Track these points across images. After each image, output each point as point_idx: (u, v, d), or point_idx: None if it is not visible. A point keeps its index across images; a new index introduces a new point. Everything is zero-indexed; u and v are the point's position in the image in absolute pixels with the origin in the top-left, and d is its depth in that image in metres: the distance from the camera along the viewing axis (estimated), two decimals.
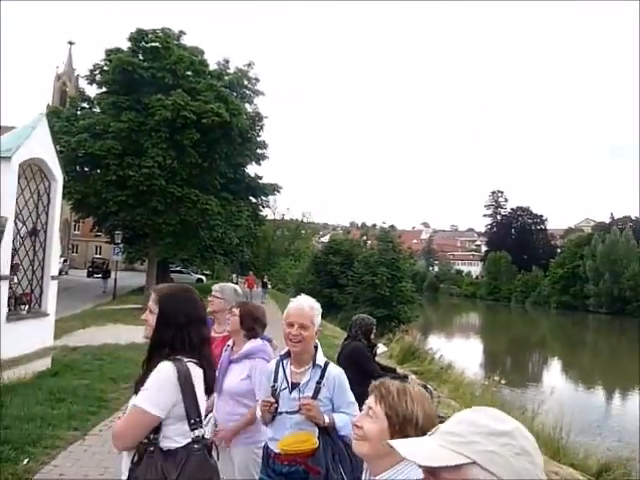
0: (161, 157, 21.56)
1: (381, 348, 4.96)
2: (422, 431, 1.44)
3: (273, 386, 2.77)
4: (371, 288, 27.00)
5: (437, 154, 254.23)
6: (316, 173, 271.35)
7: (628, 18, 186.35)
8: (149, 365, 2.17)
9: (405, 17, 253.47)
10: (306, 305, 2.73)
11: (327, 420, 2.63)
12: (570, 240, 77.04)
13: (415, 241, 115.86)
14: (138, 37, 23.05)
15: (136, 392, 2.14)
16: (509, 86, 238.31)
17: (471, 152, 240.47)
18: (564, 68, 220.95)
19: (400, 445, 1.00)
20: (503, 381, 14.25)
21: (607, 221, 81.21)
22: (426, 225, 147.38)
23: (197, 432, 2.17)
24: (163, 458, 2.07)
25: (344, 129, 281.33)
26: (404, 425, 1.54)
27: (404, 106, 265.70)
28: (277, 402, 2.72)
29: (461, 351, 29.21)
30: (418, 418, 1.54)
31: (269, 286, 34.20)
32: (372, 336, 4.93)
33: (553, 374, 29.70)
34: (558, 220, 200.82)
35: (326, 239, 53.81)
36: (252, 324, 3.36)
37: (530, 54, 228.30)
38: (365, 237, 47.07)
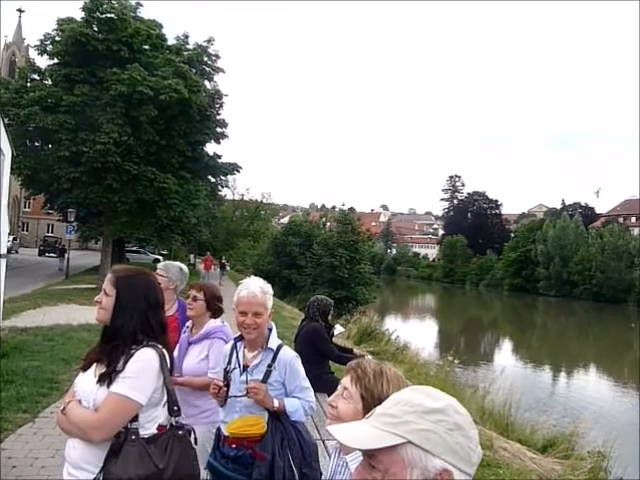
0: (116, 133, 20.86)
1: (339, 329, 4.99)
2: None
3: (226, 368, 2.75)
4: (330, 270, 27.11)
5: (397, 138, 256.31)
6: (277, 154, 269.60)
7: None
8: (115, 352, 2.09)
9: None
10: (258, 292, 2.67)
11: (276, 404, 2.59)
12: (523, 225, 79.30)
13: (374, 224, 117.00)
14: (92, 7, 22.05)
15: (102, 380, 2.05)
16: (466, 70, 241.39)
17: (430, 136, 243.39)
18: (513, 55, 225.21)
19: (336, 430, 0.99)
20: (456, 361, 14.65)
21: (558, 207, 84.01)
22: (385, 208, 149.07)
23: (179, 418, 2.15)
24: (146, 445, 2.03)
25: (306, 110, 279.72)
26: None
27: (365, 89, 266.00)
28: (228, 385, 2.70)
29: (417, 332, 29.84)
30: None
31: (227, 267, 33.90)
32: (329, 317, 4.94)
33: (504, 354, 30.75)
34: (512, 205, 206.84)
35: (286, 220, 53.68)
36: (217, 304, 3.35)
37: (479, 39, 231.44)
38: (324, 219, 47.14)
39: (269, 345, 2.71)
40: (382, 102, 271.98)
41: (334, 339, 5.37)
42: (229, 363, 2.75)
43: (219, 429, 2.76)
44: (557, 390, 20.61)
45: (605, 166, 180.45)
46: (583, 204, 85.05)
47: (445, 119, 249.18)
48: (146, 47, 22.98)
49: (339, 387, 1.65)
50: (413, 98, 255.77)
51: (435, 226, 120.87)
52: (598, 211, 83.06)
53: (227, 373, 2.73)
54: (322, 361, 4.70)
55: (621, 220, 71.09)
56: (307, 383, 2.74)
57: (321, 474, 2.50)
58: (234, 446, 2.60)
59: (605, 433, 9.65)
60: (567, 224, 65.05)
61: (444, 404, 0.96)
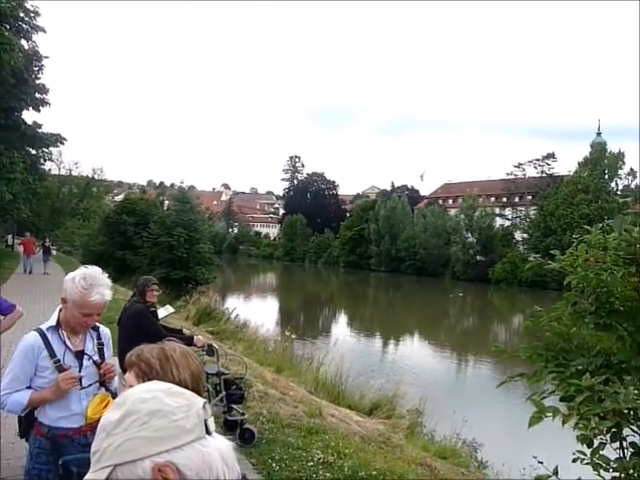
0: None
1: (167, 309, 4.85)
2: (193, 392, 1.40)
3: (57, 361, 2.52)
4: (167, 249, 26.11)
5: (239, 116, 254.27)
6: (111, 127, 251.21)
7: None
8: None
9: None
10: (109, 296, 2.55)
11: (116, 379, 2.66)
12: (358, 205, 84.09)
13: (215, 202, 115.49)
14: None
15: None
16: (308, 52, 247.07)
17: (271, 116, 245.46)
18: (356, 45, 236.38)
19: None
20: (294, 336, 15.16)
21: (389, 189, 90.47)
22: (226, 187, 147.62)
23: None
24: None
25: (145, 82, 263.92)
26: None
27: (206, 62, 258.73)
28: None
29: (257, 310, 30.26)
30: (187, 382, 1.45)
31: (53, 251, 30.88)
32: (148, 296, 4.79)
33: (340, 326, 32.55)
34: (348, 186, 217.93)
35: (120, 198, 50.37)
36: None
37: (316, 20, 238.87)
38: (162, 197, 45.20)
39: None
40: (223, 79, 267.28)
41: (171, 320, 5.20)
42: (53, 355, 2.53)
43: (56, 429, 2.54)
44: (385, 357, 22.38)
45: (428, 152, 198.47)
46: (410, 187, 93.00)
47: (287, 100, 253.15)
48: None
49: (124, 384, 1.54)
50: (257, 76, 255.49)
51: (276, 205, 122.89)
52: (422, 193, 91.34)
53: (60, 365, 2.53)
54: (151, 342, 4.51)
55: (441, 202, 78.80)
56: None
57: None
58: (89, 433, 2.50)
59: (422, 392, 10.72)
60: (396, 205, 70.32)
61: (128, 405, 0.93)
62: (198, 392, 1.25)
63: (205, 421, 0.94)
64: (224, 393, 5.47)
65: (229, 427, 5.55)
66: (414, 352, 24.10)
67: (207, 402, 1.00)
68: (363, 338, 26.68)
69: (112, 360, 2.75)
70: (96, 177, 60.11)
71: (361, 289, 58.01)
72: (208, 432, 0.94)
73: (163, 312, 5.08)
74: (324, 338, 23.67)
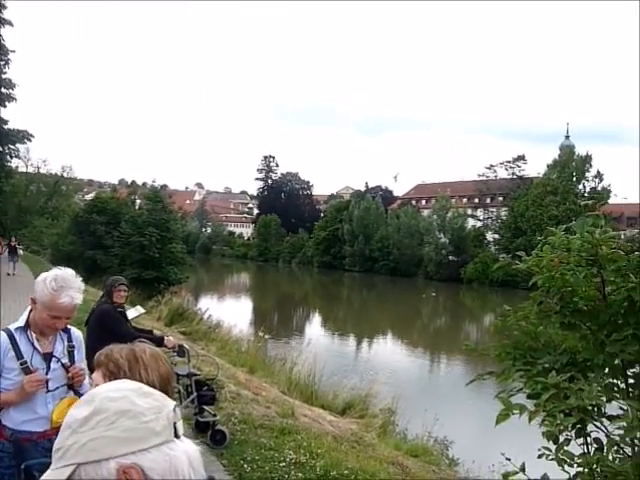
0: None
1: (137, 310, 4.79)
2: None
3: (23, 363, 2.47)
4: (139, 249, 25.77)
5: (213, 115, 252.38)
6: (80, 123, 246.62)
7: None
8: None
9: None
10: (79, 298, 2.50)
11: (87, 383, 2.59)
12: (332, 205, 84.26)
13: (188, 202, 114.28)
14: None
15: None
16: (282, 52, 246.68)
17: (246, 116, 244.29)
18: (327, 46, 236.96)
19: None
20: (267, 336, 15.11)
21: (363, 189, 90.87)
22: (200, 186, 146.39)
23: None
24: None
25: (117, 78, 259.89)
26: None
27: (175, 58, 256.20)
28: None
29: (231, 310, 30.09)
30: (155, 384, 1.45)
31: (20, 251, 30.06)
32: (116, 297, 4.73)
33: (313, 326, 32.59)
34: (322, 187, 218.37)
35: (91, 197, 49.45)
36: None
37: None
38: (134, 196, 44.48)
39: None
40: (198, 76, 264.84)
41: (142, 320, 5.13)
42: (22, 357, 2.47)
43: (20, 432, 2.47)
44: (358, 356, 22.49)
45: (402, 153, 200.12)
46: (383, 187, 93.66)
47: (262, 99, 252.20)
48: None
49: (90, 383, 1.53)
50: (232, 74, 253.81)
51: (250, 205, 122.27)
52: (396, 194, 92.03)
53: (27, 367, 2.47)
54: (118, 343, 4.45)
55: (414, 202, 79.51)
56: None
57: None
58: (54, 437, 2.39)
59: (395, 391, 10.80)
60: (370, 205, 70.68)
61: (97, 402, 0.92)
62: (167, 395, 1.24)
63: (174, 424, 0.93)
64: (195, 394, 5.43)
65: (200, 428, 5.51)
66: (387, 351, 24.28)
67: (178, 405, 1.00)
68: (337, 338, 26.75)
69: (83, 363, 2.70)
70: (65, 175, 58.97)
71: (335, 289, 58.15)
72: (177, 435, 0.93)
73: (133, 313, 5.02)
74: (298, 338, 23.65)
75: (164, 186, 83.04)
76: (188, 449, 0.93)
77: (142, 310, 4.86)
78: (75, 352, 2.64)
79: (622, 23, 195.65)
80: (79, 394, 2.59)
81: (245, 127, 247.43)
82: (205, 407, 5.52)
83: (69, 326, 2.66)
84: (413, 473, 5.38)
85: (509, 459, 2.54)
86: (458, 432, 9.56)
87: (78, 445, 0.87)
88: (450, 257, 60.29)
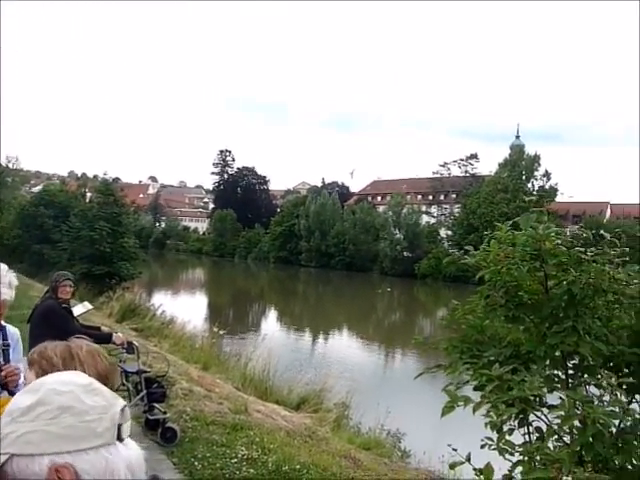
0: None
1: (85, 306, 4.65)
2: None
3: None
4: (89, 244, 25.02)
5: (168, 106, 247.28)
6: (27, 112, 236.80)
7: None
8: None
9: None
10: (5, 294, 2.42)
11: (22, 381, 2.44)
12: (288, 200, 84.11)
13: (141, 195, 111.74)
14: None
15: None
16: (238, 40, 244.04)
17: (202, 109, 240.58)
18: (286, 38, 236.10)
19: None
20: (222, 332, 14.96)
21: (319, 185, 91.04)
22: (154, 180, 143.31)
23: None
24: None
25: (65, 64, 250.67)
26: None
27: (127, 47, 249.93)
28: None
29: (185, 306, 29.63)
30: None
31: None
32: (60, 292, 4.57)
33: (269, 322, 32.52)
34: (279, 182, 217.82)
35: (38, 189, 47.70)
36: None
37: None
38: (84, 189, 43.19)
39: None
40: (152, 66, 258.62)
41: (82, 318, 4.97)
42: None
43: None
44: (314, 351, 22.59)
45: (358, 150, 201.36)
46: (340, 183, 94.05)
47: (218, 93, 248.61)
48: None
49: (23, 382, 1.46)
50: (188, 66, 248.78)
51: (206, 200, 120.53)
52: (352, 190, 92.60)
53: None
54: (60, 339, 4.31)
55: (370, 199, 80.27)
56: None
57: None
58: None
59: (349, 386, 10.90)
60: (326, 201, 70.92)
61: (42, 393, 0.89)
62: None
63: (119, 426, 0.90)
64: (145, 392, 5.32)
65: (150, 426, 5.41)
66: (343, 346, 24.46)
67: (127, 405, 0.96)
68: (293, 333, 26.78)
69: (22, 362, 2.59)
70: (11, 166, 56.72)
71: (291, 284, 58.14)
72: (120, 439, 0.90)
73: (80, 309, 4.86)
74: (253, 334, 23.55)
75: (116, 179, 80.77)
76: (130, 454, 0.91)
77: (89, 306, 4.71)
78: (10, 351, 2.55)
79: (568, 27, 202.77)
80: (13, 394, 2.49)
81: (201, 121, 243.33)
82: (155, 405, 5.42)
83: (5, 323, 2.57)
84: (365, 466, 5.44)
85: (455, 449, 2.59)
86: (411, 424, 9.72)
87: (15, 435, 0.84)
88: (405, 253, 61.19)
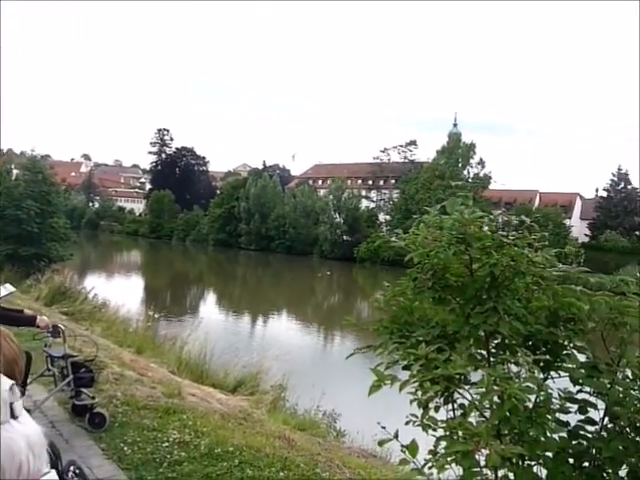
0: None
1: (7, 288, 4.40)
2: (6, 376, 1.28)
3: None
4: (15, 224, 23.78)
5: (103, 81, 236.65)
6: None
7: None
8: None
9: None
10: None
11: None
12: (228, 182, 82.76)
13: (74, 174, 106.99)
14: None
15: None
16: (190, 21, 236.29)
17: (139, 86, 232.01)
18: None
19: None
20: (157, 315, 14.65)
21: (260, 167, 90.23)
22: (87, 158, 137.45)
23: None
24: None
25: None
26: None
27: (66, 20, 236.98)
28: None
29: (120, 289, 28.81)
30: None
31: None
32: None
33: (208, 305, 32.16)
34: (219, 163, 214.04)
35: None
36: None
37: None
38: (10, 165, 40.76)
39: None
40: (89, 39, 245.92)
41: (4, 300, 4.71)
42: None
43: None
44: (252, 334, 22.57)
45: (300, 133, 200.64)
46: (281, 166, 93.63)
47: (156, 70, 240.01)
48: None
49: None
50: (123, 42, 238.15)
51: (142, 180, 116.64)
52: (293, 173, 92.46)
53: None
54: None
55: (311, 182, 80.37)
56: None
57: None
58: None
59: (287, 368, 10.95)
60: (267, 183, 70.39)
61: None
62: (13, 377, 1.15)
63: (11, 404, 0.89)
64: (72, 377, 5.13)
65: (78, 412, 5.24)
66: (282, 329, 24.57)
67: (14, 384, 0.95)
68: (231, 316, 26.62)
69: None
70: None
71: (230, 267, 57.61)
72: (14, 416, 0.88)
73: (2, 291, 4.60)
74: (191, 317, 23.23)
75: (46, 156, 77.00)
76: (28, 431, 0.90)
77: (12, 289, 4.47)
78: None
79: (513, 23, 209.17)
80: None
81: (138, 99, 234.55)
82: (83, 390, 5.25)
83: None
84: (299, 446, 5.50)
85: (384, 427, 2.66)
86: (347, 405, 9.91)
87: None
88: (344, 237, 61.85)
